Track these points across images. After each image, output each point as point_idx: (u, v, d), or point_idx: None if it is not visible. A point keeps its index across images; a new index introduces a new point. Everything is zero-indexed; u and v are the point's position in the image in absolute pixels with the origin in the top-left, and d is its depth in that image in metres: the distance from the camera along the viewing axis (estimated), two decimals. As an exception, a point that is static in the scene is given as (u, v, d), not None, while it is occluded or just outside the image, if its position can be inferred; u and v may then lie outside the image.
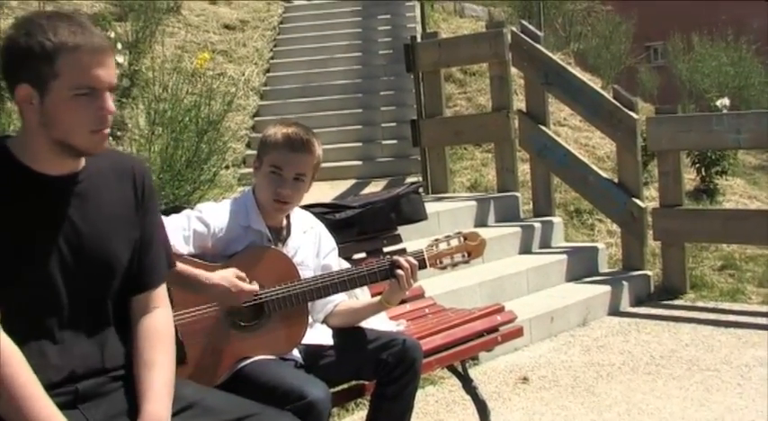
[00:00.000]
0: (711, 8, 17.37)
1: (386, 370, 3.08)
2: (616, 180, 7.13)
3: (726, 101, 9.62)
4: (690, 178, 8.63)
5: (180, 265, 2.73)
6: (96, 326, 2.26)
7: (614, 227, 7.53)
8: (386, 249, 4.07)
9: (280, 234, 3.15)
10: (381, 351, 3.08)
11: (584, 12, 15.30)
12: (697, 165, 8.72)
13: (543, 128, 7.40)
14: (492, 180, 8.09)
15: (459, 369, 3.85)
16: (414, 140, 8.09)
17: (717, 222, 6.71)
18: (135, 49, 9.14)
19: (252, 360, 2.92)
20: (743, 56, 13.27)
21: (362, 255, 3.99)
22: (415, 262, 3.15)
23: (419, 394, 3.26)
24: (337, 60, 10.73)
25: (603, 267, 7.06)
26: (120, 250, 2.28)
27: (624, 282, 6.59)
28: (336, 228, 3.52)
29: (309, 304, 3.08)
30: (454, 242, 3.26)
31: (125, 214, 2.30)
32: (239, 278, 2.91)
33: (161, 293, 2.40)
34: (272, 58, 10.92)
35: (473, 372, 4.01)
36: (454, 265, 3.28)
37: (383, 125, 9.59)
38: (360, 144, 9.35)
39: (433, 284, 4.82)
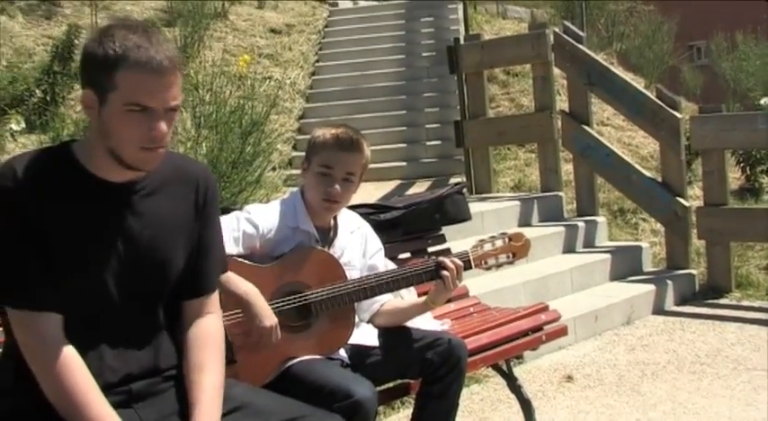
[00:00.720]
0: (754, 7, 17.15)
1: (431, 369, 3.06)
2: (660, 179, 7.05)
3: (771, 99, 9.48)
4: (734, 177, 8.52)
5: (230, 276, 2.73)
6: (151, 329, 2.27)
7: (658, 226, 7.45)
8: (430, 249, 4.05)
9: (327, 234, 3.14)
10: (427, 350, 3.06)
11: (626, 12, 15.18)
12: (741, 164, 8.61)
13: (586, 128, 7.34)
14: (535, 180, 8.04)
15: (504, 367, 3.81)
16: (457, 141, 8.07)
17: (762, 221, 6.59)
18: (183, 54, 9.21)
19: (299, 359, 2.91)
20: (787, 55, 13.08)
21: (407, 255, 3.98)
22: (461, 263, 3.13)
23: (464, 392, 3.24)
24: (381, 63, 10.74)
25: (648, 266, 6.98)
26: (177, 257, 2.27)
27: (668, 281, 6.51)
28: (381, 229, 3.50)
29: (356, 304, 3.07)
30: (499, 243, 3.24)
31: (184, 221, 2.30)
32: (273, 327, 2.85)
33: (214, 299, 2.40)
34: (317, 61, 10.95)
35: (518, 371, 3.99)
36: (499, 266, 3.25)
37: (427, 126, 9.58)
38: (404, 145, 9.34)
39: (477, 283, 4.78)
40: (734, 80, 13.00)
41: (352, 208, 3.46)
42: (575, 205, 7.54)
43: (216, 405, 2.22)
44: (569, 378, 4.89)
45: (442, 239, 4.14)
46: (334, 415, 2.44)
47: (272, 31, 11.33)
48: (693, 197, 7.64)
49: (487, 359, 3.63)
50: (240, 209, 3.14)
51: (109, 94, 2.09)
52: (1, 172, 2.10)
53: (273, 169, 8.16)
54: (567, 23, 7.79)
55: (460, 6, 11.18)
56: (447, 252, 4.06)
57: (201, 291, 2.35)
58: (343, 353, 3.06)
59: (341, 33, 11.57)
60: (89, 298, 2.14)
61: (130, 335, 2.21)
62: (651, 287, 6.36)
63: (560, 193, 7.47)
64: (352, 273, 3.09)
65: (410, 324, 3.25)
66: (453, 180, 8.17)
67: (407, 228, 3.96)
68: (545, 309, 3.94)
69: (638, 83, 8.73)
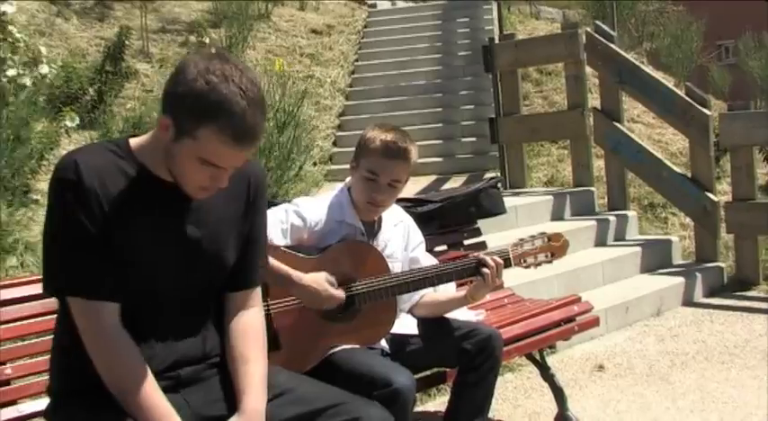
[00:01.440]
0: (782, 7, 16.88)
1: (468, 358, 3.06)
2: (689, 175, 6.98)
3: (798, 98, 9.36)
4: (762, 172, 8.41)
5: (273, 262, 2.73)
6: (201, 320, 2.28)
7: (687, 220, 7.39)
8: (466, 242, 4.04)
9: (372, 228, 3.14)
10: (463, 340, 3.07)
11: (656, 12, 15.02)
12: (769, 160, 8.50)
13: (617, 125, 7.28)
14: (568, 175, 8.00)
15: (537, 357, 3.81)
16: (492, 137, 8.02)
17: (790, 215, 6.51)
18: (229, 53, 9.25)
19: (340, 348, 2.91)
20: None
21: (443, 247, 3.97)
22: (501, 261, 3.12)
23: (498, 381, 3.22)
24: (419, 62, 10.73)
25: (677, 259, 6.92)
26: (230, 253, 2.27)
27: (697, 274, 6.44)
28: (418, 222, 3.49)
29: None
30: (538, 242, 3.23)
31: (236, 217, 2.29)
32: (329, 282, 2.89)
33: (258, 292, 2.39)
34: (356, 60, 10.96)
35: (550, 360, 3.97)
36: (537, 265, 3.24)
37: (463, 123, 9.56)
38: (440, 141, 9.33)
39: (511, 275, 4.73)
40: (761, 78, 12.83)
41: (391, 201, 3.45)
42: (606, 200, 7.49)
43: (262, 393, 2.22)
44: (601, 367, 4.85)
45: (478, 232, 4.13)
46: (374, 402, 2.43)
47: (314, 31, 11.37)
48: (722, 192, 7.57)
49: (521, 349, 3.63)
50: (289, 201, 3.14)
51: (185, 138, 2.05)
52: (64, 165, 2.09)
53: (314, 164, 8.19)
54: (599, 23, 7.73)
55: (495, 7, 11.16)
56: (482, 245, 4.05)
57: (248, 283, 2.35)
58: (383, 342, 3.06)
59: (379, 34, 11.58)
60: (144, 289, 2.15)
61: (181, 325, 2.22)
62: (680, 279, 6.30)
63: (592, 188, 7.42)
64: (395, 266, 3.09)
65: (447, 314, 3.24)
66: (488, 175, 8.13)
67: (443, 221, 3.95)
68: (577, 300, 3.92)
69: (667, 81, 8.62)
